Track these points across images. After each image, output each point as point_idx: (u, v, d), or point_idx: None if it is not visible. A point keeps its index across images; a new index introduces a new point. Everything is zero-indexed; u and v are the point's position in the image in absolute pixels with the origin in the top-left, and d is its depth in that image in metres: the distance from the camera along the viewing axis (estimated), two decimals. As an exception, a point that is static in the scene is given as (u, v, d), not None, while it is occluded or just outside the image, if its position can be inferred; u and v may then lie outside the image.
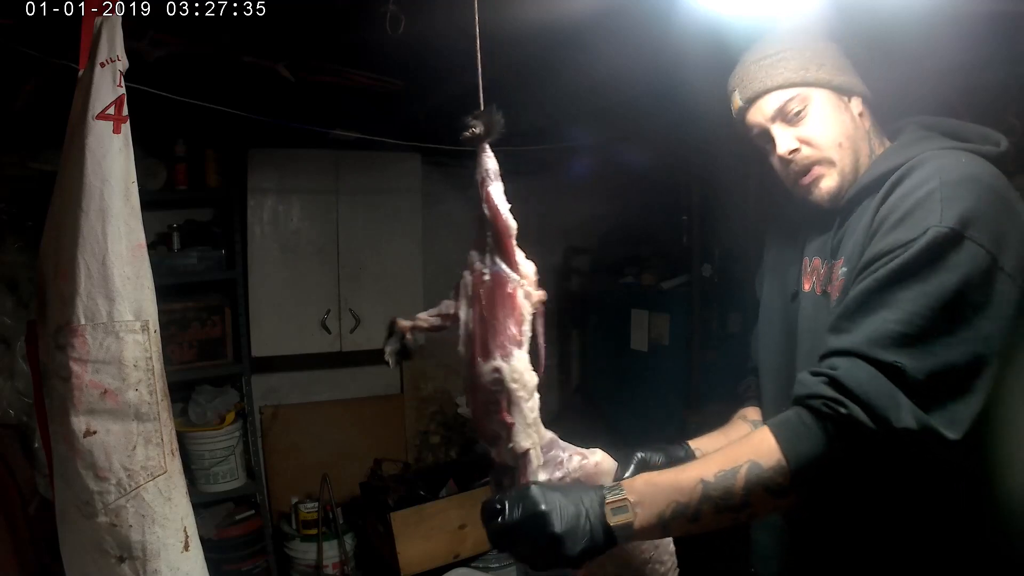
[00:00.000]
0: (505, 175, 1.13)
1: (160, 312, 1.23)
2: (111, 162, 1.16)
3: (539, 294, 1.13)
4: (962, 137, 1.22)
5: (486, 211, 1.12)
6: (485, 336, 1.10)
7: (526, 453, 1.08)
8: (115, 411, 1.15)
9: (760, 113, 1.31)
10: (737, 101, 1.34)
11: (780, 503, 1.05)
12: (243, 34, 1.84)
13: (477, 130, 1.10)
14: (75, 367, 1.14)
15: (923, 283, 1.03)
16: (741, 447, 1.07)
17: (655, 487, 1.05)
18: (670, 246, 3.67)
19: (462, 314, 1.14)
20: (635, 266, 3.73)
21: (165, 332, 1.24)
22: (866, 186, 1.22)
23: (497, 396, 1.08)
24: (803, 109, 1.27)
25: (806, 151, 1.27)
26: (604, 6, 1.62)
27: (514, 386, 1.07)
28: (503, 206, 1.11)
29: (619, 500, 1.02)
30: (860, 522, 1.18)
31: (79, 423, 1.14)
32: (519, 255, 1.12)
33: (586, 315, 4.10)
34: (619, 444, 1.32)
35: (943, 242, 1.03)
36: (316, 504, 3.24)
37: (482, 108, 1.14)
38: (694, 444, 1.42)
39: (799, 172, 1.29)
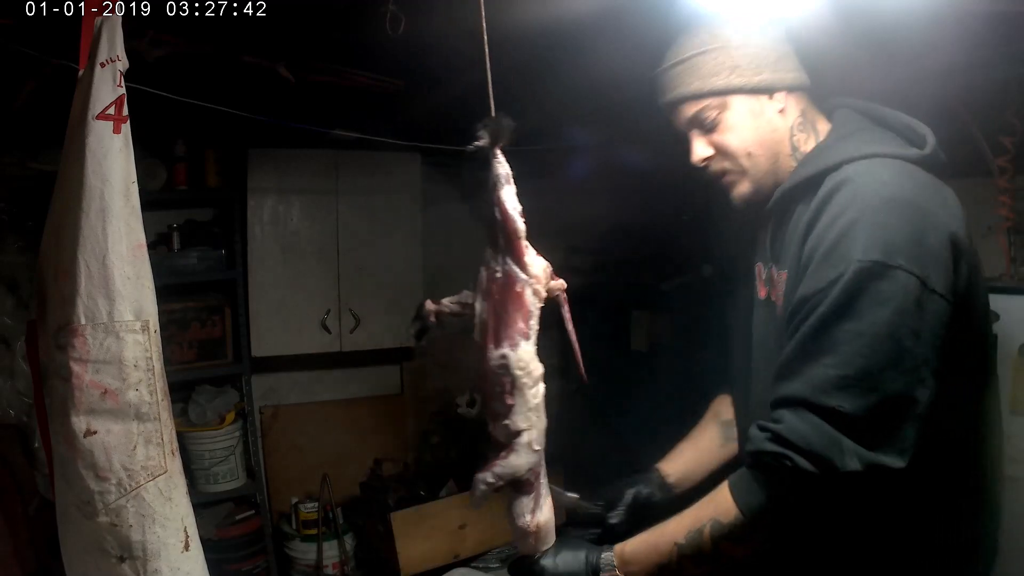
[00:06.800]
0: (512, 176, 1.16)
1: (160, 312, 1.23)
2: (111, 162, 1.16)
3: (558, 283, 1.21)
4: (889, 126, 1.19)
5: (497, 215, 1.16)
6: (497, 327, 1.18)
7: (519, 433, 1.17)
8: (115, 411, 1.15)
9: (677, 119, 1.31)
10: (660, 100, 1.33)
11: (748, 550, 1.11)
12: (243, 34, 1.84)
13: (483, 141, 1.14)
14: (75, 367, 1.14)
15: (857, 321, 1.01)
16: (706, 507, 1.15)
17: (639, 555, 1.19)
18: (670, 246, 3.66)
19: (477, 306, 1.23)
20: (635, 266, 3.73)
21: (165, 332, 1.24)
22: (791, 189, 1.20)
23: (502, 380, 1.18)
24: (718, 115, 1.24)
25: (718, 160, 1.27)
26: (604, 6, 1.62)
27: (519, 372, 1.17)
28: (513, 210, 1.16)
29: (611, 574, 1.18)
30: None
31: (79, 423, 1.14)
32: (529, 255, 1.18)
33: (586, 315, 4.09)
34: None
35: (868, 276, 1.01)
36: (316, 504, 3.24)
37: (491, 114, 1.16)
38: (665, 468, 1.51)
39: (713, 177, 1.30)
